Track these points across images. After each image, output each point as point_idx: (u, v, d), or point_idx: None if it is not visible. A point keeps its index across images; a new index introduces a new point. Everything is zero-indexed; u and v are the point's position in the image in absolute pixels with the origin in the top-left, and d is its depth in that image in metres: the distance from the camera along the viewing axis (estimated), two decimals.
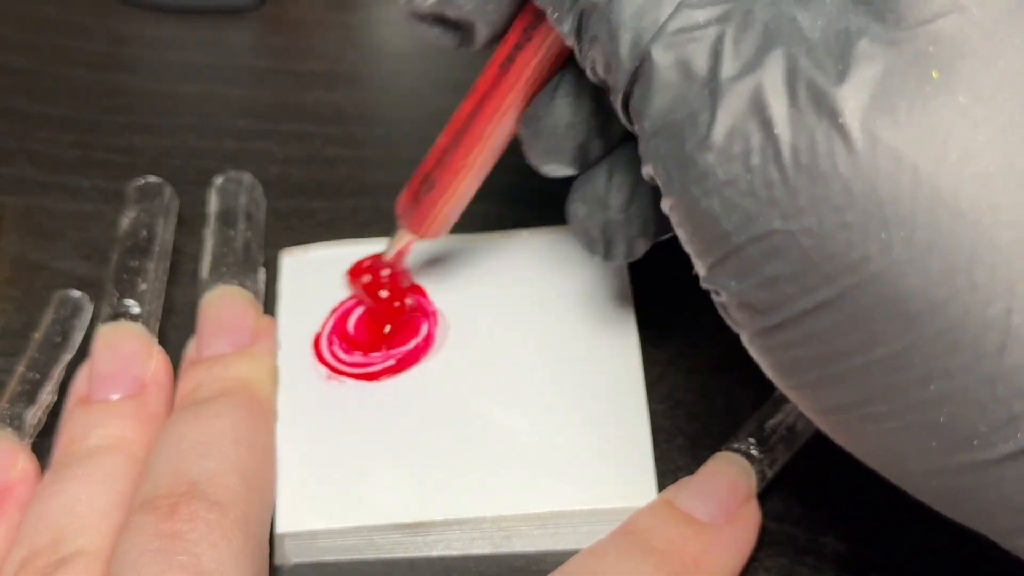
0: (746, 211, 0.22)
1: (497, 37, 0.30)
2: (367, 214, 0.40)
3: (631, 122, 0.25)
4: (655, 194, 0.28)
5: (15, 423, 0.32)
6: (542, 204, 0.40)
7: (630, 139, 0.29)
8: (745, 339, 0.25)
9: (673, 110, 0.23)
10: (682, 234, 0.24)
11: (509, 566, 0.32)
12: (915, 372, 0.22)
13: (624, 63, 0.24)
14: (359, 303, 0.36)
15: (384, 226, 0.40)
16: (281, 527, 0.31)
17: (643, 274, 0.38)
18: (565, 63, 0.29)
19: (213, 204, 0.38)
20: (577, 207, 0.30)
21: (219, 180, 0.39)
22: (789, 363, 0.24)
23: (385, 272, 0.35)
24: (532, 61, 0.29)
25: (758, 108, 0.22)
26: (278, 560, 0.32)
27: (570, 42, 0.26)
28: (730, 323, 0.25)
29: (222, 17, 0.48)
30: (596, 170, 0.30)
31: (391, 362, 0.34)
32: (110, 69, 0.46)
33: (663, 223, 0.29)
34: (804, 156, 0.22)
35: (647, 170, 0.25)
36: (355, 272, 0.36)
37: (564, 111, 0.29)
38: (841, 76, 0.21)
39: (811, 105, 0.22)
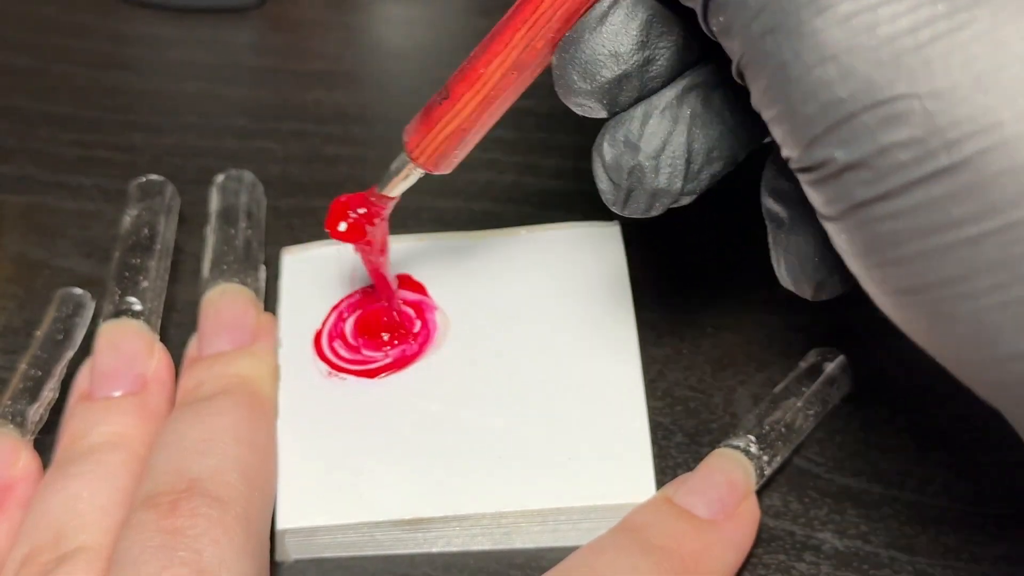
0: (867, 78, 0.22)
1: None
2: None
3: (713, 16, 0.24)
4: (687, 145, 0.28)
5: (17, 420, 0.32)
6: (542, 203, 0.40)
7: (668, 85, 0.28)
8: (834, 215, 0.24)
9: None
10: (780, 111, 0.24)
11: (509, 562, 0.32)
12: None
13: None
14: (360, 301, 0.36)
15: None
16: (282, 523, 0.31)
17: (643, 274, 0.38)
18: None
19: (214, 202, 0.38)
20: (604, 150, 0.29)
21: (220, 178, 0.39)
22: (888, 236, 0.23)
23: (360, 211, 0.33)
24: None
25: None
26: (279, 556, 0.32)
27: None
28: (823, 199, 0.24)
29: (223, 16, 0.48)
30: (630, 112, 0.28)
31: (391, 359, 0.34)
32: (111, 68, 0.46)
33: (690, 179, 0.29)
34: (942, 24, 0.21)
35: (741, 56, 0.24)
36: (336, 213, 0.33)
37: (609, 38, 0.27)
38: None
39: None
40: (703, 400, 0.35)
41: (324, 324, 0.35)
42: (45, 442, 0.33)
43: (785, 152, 0.24)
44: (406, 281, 0.36)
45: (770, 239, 0.29)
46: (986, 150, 0.21)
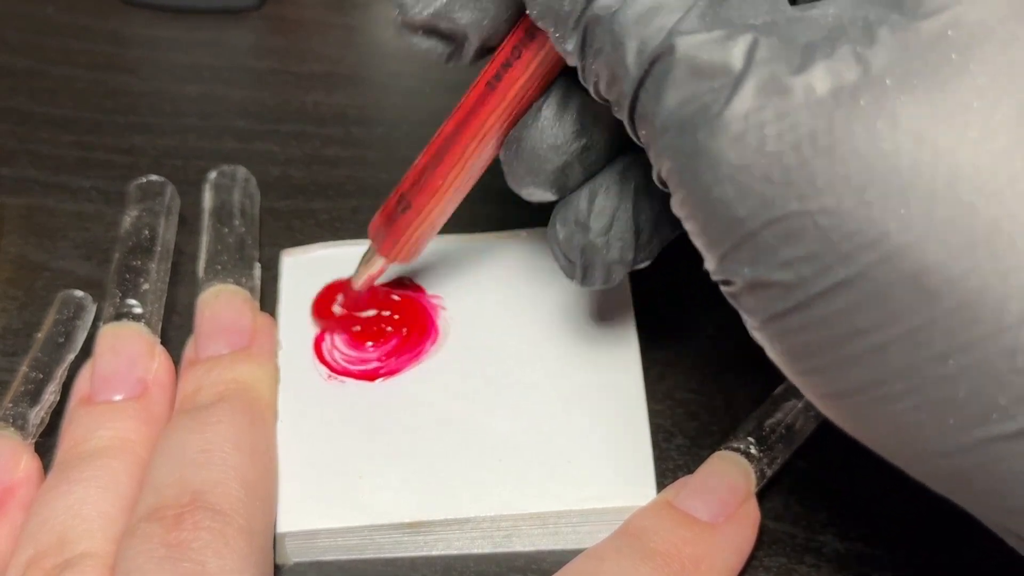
0: (761, 195, 0.23)
1: (487, 52, 0.30)
2: (367, 214, 0.40)
3: (637, 129, 0.25)
4: (634, 218, 0.29)
5: (18, 423, 0.32)
6: (542, 205, 0.40)
7: (610, 163, 0.30)
8: (755, 326, 0.25)
9: (685, 104, 0.23)
10: (692, 226, 0.25)
11: (509, 565, 0.32)
12: (934, 348, 0.22)
13: (631, 70, 0.24)
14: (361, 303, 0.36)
15: None
16: (282, 527, 0.31)
17: (643, 274, 0.38)
18: (549, 85, 0.29)
19: (207, 200, 0.38)
20: (557, 230, 0.31)
21: (212, 175, 0.39)
22: (803, 347, 0.24)
23: (339, 299, 0.36)
24: (520, 80, 0.29)
25: (772, 95, 0.22)
26: (279, 559, 0.32)
27: (573, 60, 0.26)
28: (742, 311, 0.25)
29: (223, 18, 0.48)
30: (577, 194, 0.30)
31: (391, 362, 0.34)
32: (111, 70, 0.46)
33: (641, 249, 0.30)
34: (823, 139, 0.22)
35: (658, 169, 0.25)
36: (320, 308, 0.36)
37: (547, 133, 0.29)
38: (860, 59, 0.22)
39: (829, 91, 0.22)
40: (704, 402, 0.35)
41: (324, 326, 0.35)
42: (46, 445, 0.33)
43: (705, 264, 0.25)
44: (407, 283, 0.36)
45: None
46: (878, 261, 0.22)
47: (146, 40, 0.47)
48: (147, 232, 0.37)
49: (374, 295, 0.35)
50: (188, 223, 0.40)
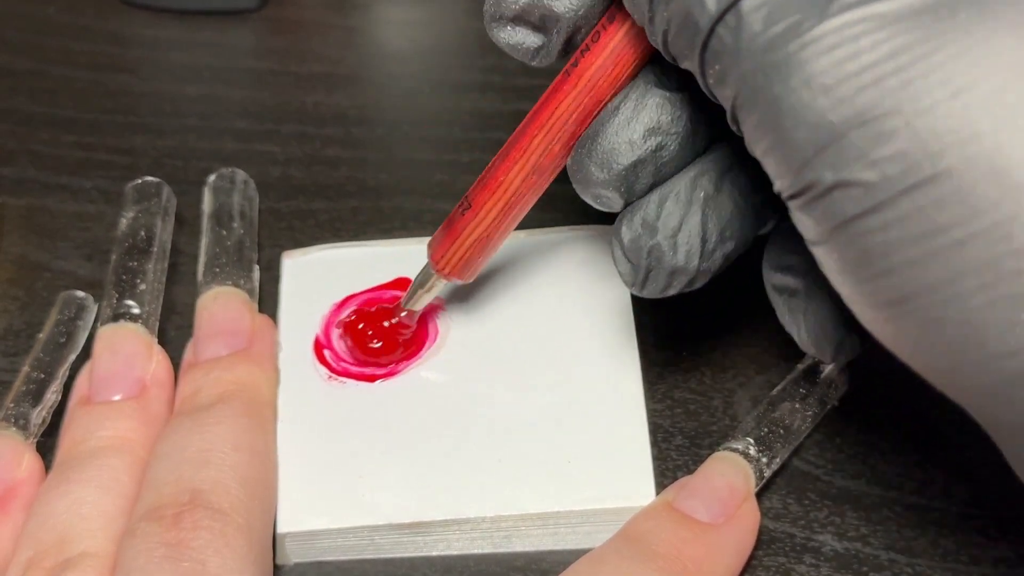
0: (854, 101, 0.23)
1: (572, 49, 0.30)
2: (367, 215, 0.41)
3: (707, 68, 0.26)
4: (702, 225, 0.30)
5: (20, 423, 0.32)
6: (542, 207, 0.40)
7: (681, 171, 0.30)
8: (825, 233, 0.25)
9: (772, 23, 0.24)
10: (771, 141, 0.25)
11: (509, 564, 0.32)
12: (1016, 241, 0.22)
13: (710, 6, 0.25)
14: (361, 305, 0.36)
15: (384, 227, 0.40)
16: (282, 527, 0.31)
17: None
18: (627, 82, 0.30)
19: (206, 203, 0.38)
20: (623, 232, 0.30)
21: (212, 178, 0.39)
22: (877, 248, 0.24)
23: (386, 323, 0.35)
24: (596, 63, 0.29)
25: (868, 8, 0.23)
26: (279, 560, 0.32)
27: (641, 14, 0.27)
28: (812, 222, 0.25)
29: (223, 19, 0.48)
30: (647, 198, 0.30)
31: (391, 364, 0.35)
32: (112, 70, 0.46)
33: (705, 258, 0.30)
34: (919, 48, 0.23)
35: (734, 96, 0.25)
36: (356, 327, 0.35)
37: (623, 128, 0.29)
38: None
39: (922, 5, 0.23)
40: (703, 403, 0.35)
41: (324, 328, 0.35)
42: (48, 444, 0.33)
43: (777, 184, 0.26)
44: (406, 284, 0.36)
45: (784, 313, 0.31)
46: (967, 159, 0.22)
47: (146, 41, 0.47)
48: (144, 233, 0.37)
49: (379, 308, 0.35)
50: (188, 223, 0.40)
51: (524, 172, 0.31)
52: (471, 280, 0.33)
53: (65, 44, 0.47)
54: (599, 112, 0.30)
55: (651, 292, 0.31)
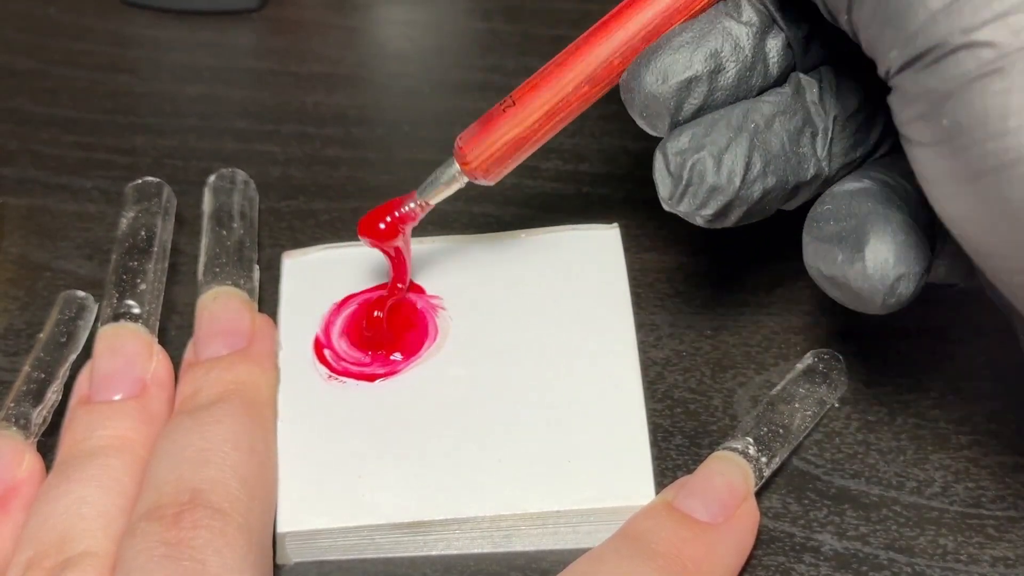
0: None
1: None
2: None
3: None
4: (748, 154, 0.30)
5: (21, 422, 0.32)
6: (542, 206, 0.40)
7: (731, 106, 0.30)
8: (939, 99, 0.25)
9: None
10: (885, 11, 0.25)
11: (509, 564, 0.32)
12: None
13: None
14: (361, 305, 0.36)
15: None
16: (282, 526, 0.31)
17: (642, 274, 0.38)
18: (699, 12, 0.30)
19: (206, 203, 0.38)
20: (669, 145, 0.30)
21: (212, 178, 0.39)
22: (998, 109, 0.24)
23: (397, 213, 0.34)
24: None
25: None
26: (279, 559, 0.32)
27: None
28: (918, 92, 0.25)
29: (224, 19, 0.48)
30: (696, 121, 0.30)
31: (391, 363, 0.35)
32: (112, 70, 0.46)
33: (746, 186, 0.30)
34: None
35: None
36: (374, 217, 0.34)
37: (687, 43, 0.30)
38: None
39: None
40: (702, 402, 0.35)
41: (324, 327, 0.35)
42: (48, 444, 0.33)
43: (889, 57, 0.25)
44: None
45: (836, 258, 0.29)
46: None
47: (147, 41, 0.47)
48: (144, 233, 0.37)
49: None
50: (189, 223, 0.40)
51: (579, 79, 0.31)
52: (494, 182, 0.33)
53: (66, 44, 0.47)
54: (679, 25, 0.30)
55: (687, 207, 0.30)
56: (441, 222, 0.39)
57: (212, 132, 0.44)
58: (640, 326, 0.35)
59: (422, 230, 0.39)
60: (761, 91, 0.31)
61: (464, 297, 0.36)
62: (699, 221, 0.31)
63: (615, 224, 0.37)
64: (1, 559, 0.30)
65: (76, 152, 0.43)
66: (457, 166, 0.33)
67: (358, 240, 0.37)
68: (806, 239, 0.30)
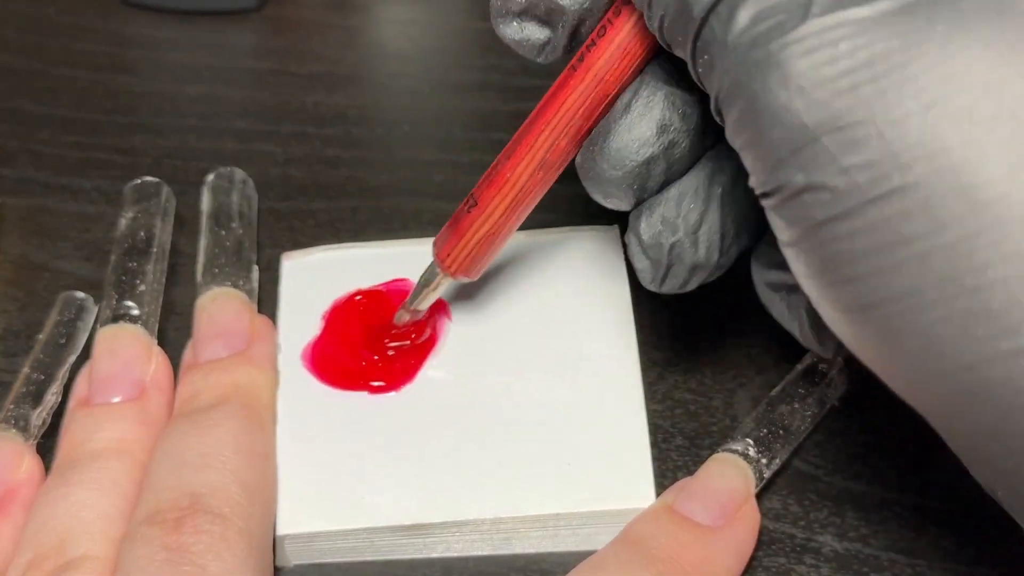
0: (828, 105, 0.23)
1: (578, 44, 0.30)
2: (367, 215, 0.41)
3: (697, 58, 0.26)
4: (721, 222, 0.30)
5: (20, 424, 0.32)
6: (541, 207, 0.40)
7: (693, 168, 0.30)
8: (795, 237, 0.25)
9: (759, 21, 0.24)
10: (748, 137, 0.25)
11: (508, 565, 0.32)
12: (976, 258, 0.23)
13: None
14: (359, 306, 0.36)
15: (384, 227, 0.40)
16: (281, 529, 0.31)
17: None
18: (633, 79, 0.30)
19: (205, 202, 0.38)
20: (642, 230, 0.30)
21: (210, 177, 0.39)
22: (843, 255, 0.24)
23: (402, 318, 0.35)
24: (602, 57, 0.29)
25: (847, 12, 0.23)
26: (279, 562, 0.32)
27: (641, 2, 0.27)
28: (783, 222, 0.26)
29: (223, 19, 0.48)
30: (665, 195, 0.30)
31: (390, 364, 0.35)
32: (112, 70, 0.46)
33: (723, 254, 0.30)
34: (896, 57, 0.23)
35: (718, 89, 0.26)
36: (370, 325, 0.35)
37: (634, 125, 0.30)
38: None
39: (903, 9, 0.23)
40: (703, 403, 0.35)
41: (324, 328, 0.35)
42: (47, 446, 0.33)
43: (752, 180, 0.26)
44: (406, 286, 0.36)
45: (781, 310, 0.31)
46: (935, 172, 0.23)
47: (147, 41, 0.47)
48: (143, 234, 0.37)
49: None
50: (188, 224, 0.40)
51: (531, 168, 0.31)
52: (477, 277, 0.33)
53: (65, 44, 0.47)
54: (606, 107, 0.30)
55: (670, 288, 0.31)
56: (441, 222, 0.39)
57: (212, 132, 0.44)
58: (640, 326, 0.35)
59: (423, 231, 0.39)
60: (717, 143, 0.31)
61: (464, 299, 0.36)
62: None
63: (615, 224, 0.37)
64: (1, 561, 0.30)
65: (76, 152, 0.43)
66: (439, 271, 0.33)
67: (358, 240, 0.37)
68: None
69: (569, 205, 0.40)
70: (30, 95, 0.45)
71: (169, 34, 0.47)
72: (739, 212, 0.30)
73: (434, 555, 0.32)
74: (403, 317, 0.35)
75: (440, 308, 0.36)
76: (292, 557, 0.32)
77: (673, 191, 0.30)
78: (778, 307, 0.31)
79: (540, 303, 0.36)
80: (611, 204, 0.31)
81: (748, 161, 0.26)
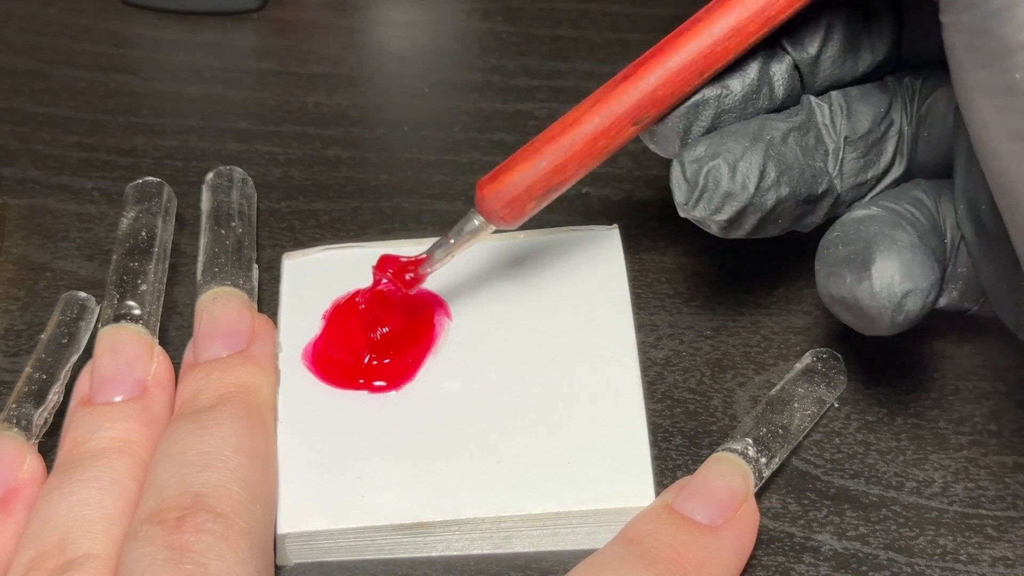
0: None
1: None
2: (368, 215, 0.41)
3: None
4: (762, 164, 0.31)
5: (22, 423, 0.32)
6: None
7: (745, 122, 0.31)
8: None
9: None
10: None
11: (509, 564, 0.32)
12: None
13: None
14: (359, 306, 0.36)
15: (384, 227, 0.40)
16: (282, 528, 0.31)
17: (641, 275, 0.38)
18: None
19: (205, 202, 0.38)
20: (686, 154, 0.31)
21: (210, 176, 0.39)
22: None
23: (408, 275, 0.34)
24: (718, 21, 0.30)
25: None
26: (280, 560, 0.32)
27: None
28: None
29: (224, 19, 0.48)
30: (716, 132, 0.31)
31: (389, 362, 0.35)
32: (113, 71, 0.46)
33: (760, 193, 0.31)
34: None
35: None
36: (391, 271, 0.34)
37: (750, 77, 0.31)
38: None
39: None
40: (702, 402, 0.35)
41: (324, 328, 0.36)
42: (49, 445, 0.33)
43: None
44: None
45: (845, 277, 0.30)
46: None
47: (147, 41, 0.47)
48: (144, 233, 0.37)
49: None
50: (189, 223, 0.40)
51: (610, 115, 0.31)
52: (516, 226, 0.33)
53: (66, 45, 0.47)
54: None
55: (701, 212, 0.31)
56: (441, 222, 0.39)
57: (213, 132, 0.44)
58: (640, 326, 0.36)
59: (423, 231, 0.39)
60: (769, 113, 0.32)
61: (464, 298, 0.36)
62: (713, 228, 0.31)
63: (615, 224, 0.37)
64: (3, 560, 0.30)
65: (77, 152, 0.43)
66: (481, 216, 0.33)
67: (358, 240, 0.37)
68: (818, 266, 0.31)
69: (569, 205, 0.40)
70: (31, 95, 0.45)
71: (170, 34, 0.47)
72: (782, 164, 0.31)
73: (434, 554, 0.32)
74: (421, 270, 0.34)
75: (440, 308, 0.36)
76: (293, 556, 0.32)
77: (724, 129, 0.31)
78: (839, 277, 0.30)
79: (540, 303, 0.36)
80: (658, 148, 0.32)
81: None
